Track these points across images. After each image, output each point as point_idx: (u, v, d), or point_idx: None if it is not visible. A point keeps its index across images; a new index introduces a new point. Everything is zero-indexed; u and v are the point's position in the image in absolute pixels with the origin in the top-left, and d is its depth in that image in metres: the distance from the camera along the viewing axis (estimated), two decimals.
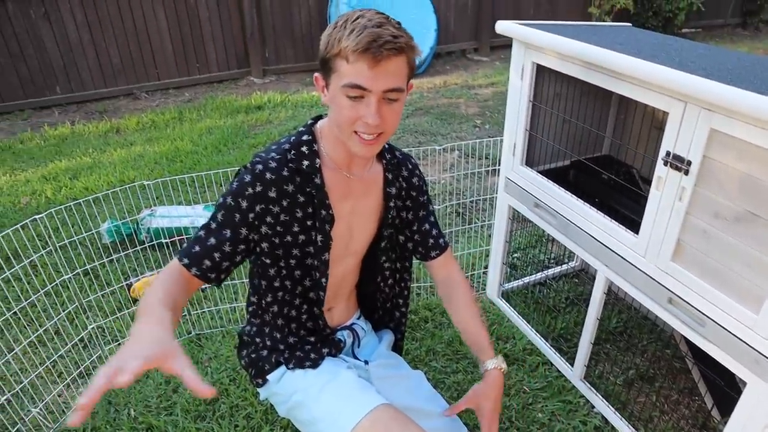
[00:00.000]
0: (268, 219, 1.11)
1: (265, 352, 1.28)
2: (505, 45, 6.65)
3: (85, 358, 2.14)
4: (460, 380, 2.02)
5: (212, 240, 1.10)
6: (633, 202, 1.90)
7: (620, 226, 1.63)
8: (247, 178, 1.09)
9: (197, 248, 1.10)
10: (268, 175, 1.09)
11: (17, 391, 1.97)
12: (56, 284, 2.41)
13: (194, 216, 2.82)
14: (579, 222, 1.78)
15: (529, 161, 2.03)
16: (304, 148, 1.13)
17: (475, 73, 5.94)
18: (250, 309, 1.32)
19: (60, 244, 2.72)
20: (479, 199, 3.29)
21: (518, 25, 1.82)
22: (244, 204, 1.09)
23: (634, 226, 1.60)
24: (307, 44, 5.81)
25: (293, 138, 1.15)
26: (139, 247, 2.43)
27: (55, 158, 3.90)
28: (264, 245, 1.15)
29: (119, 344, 2.19)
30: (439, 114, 4.71)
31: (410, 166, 1.30)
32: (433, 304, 2.39)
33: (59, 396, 2.00)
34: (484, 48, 6.59)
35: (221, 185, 3.43)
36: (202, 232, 1.11)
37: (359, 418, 1.09)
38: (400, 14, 5.63)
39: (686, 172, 1.36)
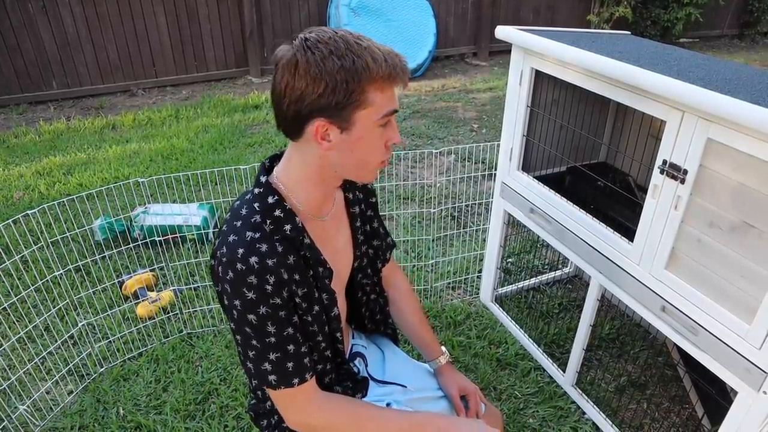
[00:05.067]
0: (295, 299, 1.03)
1: None
2: (503, 50, 6.67)
3: (74, 355, 2.13)
4: None
5: (291, 346, 1.01)
6: (628, 209, 1.90)
7: (615, 233, 1.63)
8: (254, 279, 0.93)
9: (290, 364, 1.02)
10: (269, 261, 0.95)
11: (4, 388, 1.95)
12: (47, 280, 2.39)
13: (188, 214, 2.81)
14: (574, 228, 1.78)
15: (526, 167, 2.03)
16: (277, 212, 0.98)
17: (474, 78, 5.95)
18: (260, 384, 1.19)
19: (52, 240, 2.70)
20: (474, 203, 3.29)
21: (518, 31, 1.82)
22: (277, 300, 0.97)
23: (628, 233, 1.60)
24: None
25: (257, 206, 0.98)
26: (132, 245, 2.41)
27: (50, 153, 3.87)
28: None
29: (109, 342, 2.18)
30: (437, 117, 4.71)
31: None
32: (427, 308, 2.39)
33: (47, 393, 1.98)
34: (482, 53, 6.61)
35: (216, 184, 3.42)
36: (273, 354, 1.00)
37: None
38: (400, 17, 5.64)
39: (682, 181, 1.36)
